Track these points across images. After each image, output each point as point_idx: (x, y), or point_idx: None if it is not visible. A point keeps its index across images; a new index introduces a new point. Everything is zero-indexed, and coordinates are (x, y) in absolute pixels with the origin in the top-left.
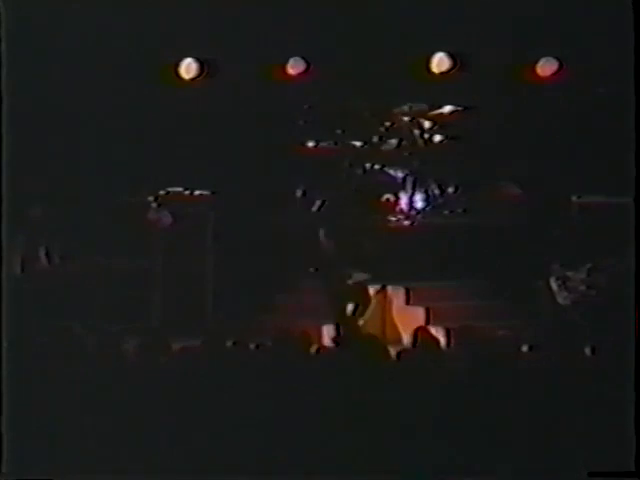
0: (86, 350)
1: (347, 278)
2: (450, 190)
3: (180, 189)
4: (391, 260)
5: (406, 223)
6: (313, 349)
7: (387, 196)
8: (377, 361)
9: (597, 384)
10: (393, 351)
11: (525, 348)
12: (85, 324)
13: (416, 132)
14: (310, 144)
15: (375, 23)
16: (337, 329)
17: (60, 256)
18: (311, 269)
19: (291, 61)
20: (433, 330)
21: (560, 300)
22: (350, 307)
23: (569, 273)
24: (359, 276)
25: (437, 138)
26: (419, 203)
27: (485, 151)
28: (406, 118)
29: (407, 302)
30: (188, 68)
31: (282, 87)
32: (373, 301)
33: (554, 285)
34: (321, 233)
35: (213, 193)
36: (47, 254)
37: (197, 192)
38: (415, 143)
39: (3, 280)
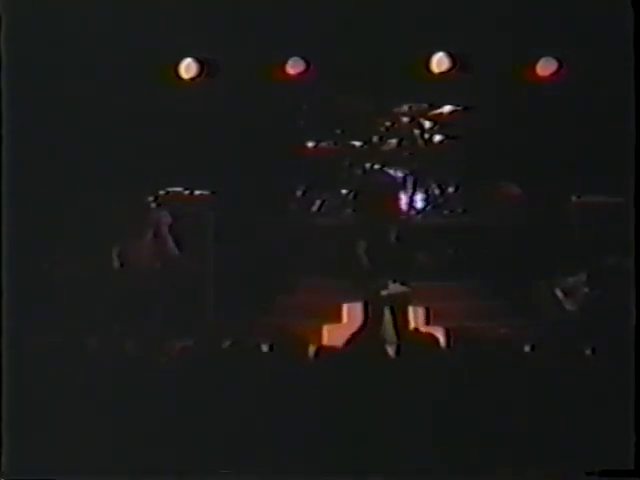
0: (86, 350)
1: (383, 288)
2: (450, 190)
3: (180, 189)
4: (392, 260)
5: (406, 223)
6: (313, 349)
7: (387, 196)
8: (377, 361)
9: (597, 384)
10: (391, 351)
11: (527, 348)
12: (85, 324)
13: (416, 132)
14: (310, 144)
15: (375, 23)
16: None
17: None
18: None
19: (291, 61)
20: (433, 330)
21: (568, 306)
22: (387, 313)
23: (571, 279)
24: (396, 288)
25: (437, 138)
26: (419, 203)
27: (485, 151)
28: (406, 118)
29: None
30: (188, 68)
31: (282, 87)
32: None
33: (560, 294)
34: (361, 245)
35: (213, 193)
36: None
37: (197, 192)
38: (415, 143)
39: (4, 281)
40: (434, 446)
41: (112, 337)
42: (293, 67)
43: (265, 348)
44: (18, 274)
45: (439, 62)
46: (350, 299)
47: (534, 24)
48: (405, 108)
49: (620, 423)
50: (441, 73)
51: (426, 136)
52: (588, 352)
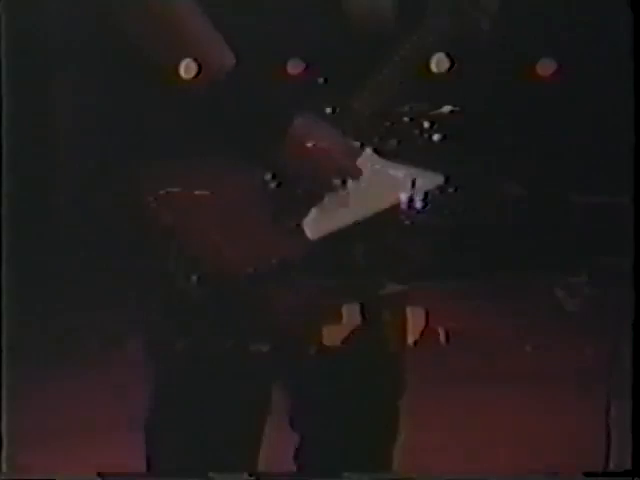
0: (86, 350)
1: (380, 288)
2: (450, 190)
3: (180, 189)
4: (391, 260)
5: (406, 223)
6: (312, 350)
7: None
8: (377, 361)
9: (597, 384)
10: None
11: (527, 348)
12: (85, 324)
13: (416, 132)
14: (310, 144)
15: (375, 23)
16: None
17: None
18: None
19: (291, 61)
20: (432, 330)
21: (568, 306)
22: (386, 313)
23: (571, 279)
24: (393, 287)
25: (437, 138)
26: (418, 203)
27: (485, 151)
28: (406, 118)
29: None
30: (188, 68)
31: (282, 87)
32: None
33: (560, 294)
34: (357, 246)
35: (213, 193)
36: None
37: (197, 192)
38: (415, 143)
39: (4, 280)
40: (433, 446)
41: (112, 337)
42: (293, 67)
43: (264, 348)
44: (18, 273)
45: (438, 62)
46: (349, 299)
47: (534, 24)
48: (405, 108)
49: (619, 423)
50: (441, 73)
51: (426, 136)
52: (588, 352)
